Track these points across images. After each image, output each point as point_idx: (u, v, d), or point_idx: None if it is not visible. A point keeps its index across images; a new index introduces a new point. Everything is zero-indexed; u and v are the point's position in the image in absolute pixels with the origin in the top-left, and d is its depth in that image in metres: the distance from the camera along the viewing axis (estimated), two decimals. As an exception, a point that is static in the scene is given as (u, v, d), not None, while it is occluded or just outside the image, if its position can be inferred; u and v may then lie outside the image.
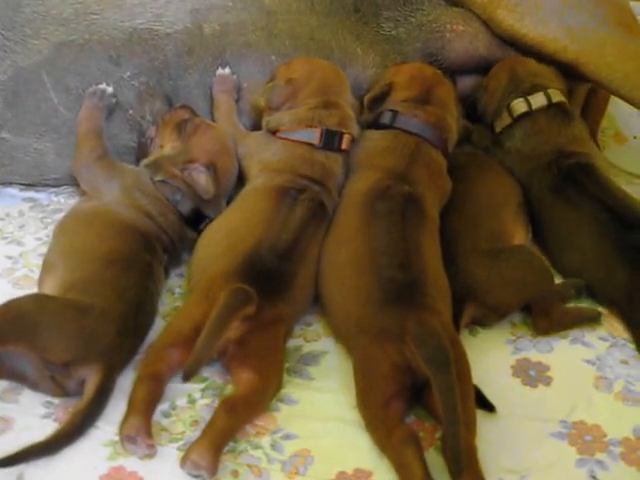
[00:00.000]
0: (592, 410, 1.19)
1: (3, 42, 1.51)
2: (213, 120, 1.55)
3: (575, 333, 1.33)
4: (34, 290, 1.34)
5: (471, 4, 1.65)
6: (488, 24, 1.65)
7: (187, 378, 1.09)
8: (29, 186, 1.64)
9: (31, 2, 1.53)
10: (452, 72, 1.67)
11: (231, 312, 1.10)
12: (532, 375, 1.25)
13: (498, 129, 1.58)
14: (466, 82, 1.69)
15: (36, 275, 1.39)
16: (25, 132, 1.54)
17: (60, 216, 1.53)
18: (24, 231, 1.54)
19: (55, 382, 1.14)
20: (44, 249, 1.45)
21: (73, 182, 1.58)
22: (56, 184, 1.62)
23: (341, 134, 1.41)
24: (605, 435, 1.15)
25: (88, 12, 1.54)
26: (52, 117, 1.53)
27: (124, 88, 1.54)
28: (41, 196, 1.63)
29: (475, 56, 1.67)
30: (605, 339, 1.32)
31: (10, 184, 1.64)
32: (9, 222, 1.56)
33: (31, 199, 1.63)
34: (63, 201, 1.62)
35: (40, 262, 1.40)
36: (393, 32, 1.66)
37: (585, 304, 1.39)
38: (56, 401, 1.17)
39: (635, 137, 1.88)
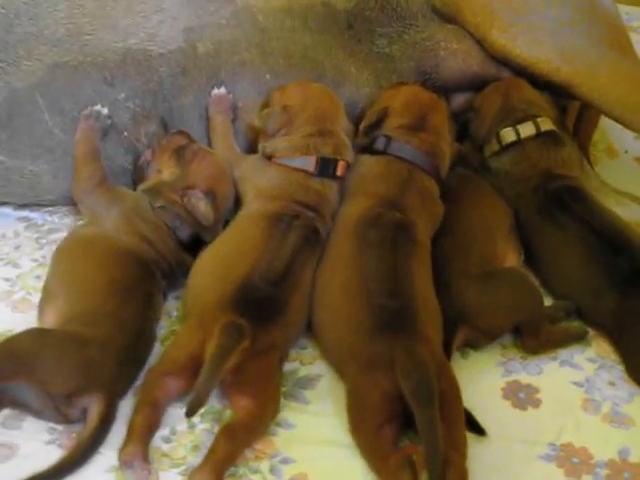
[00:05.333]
0: (580, 432, 1.31)
1: None
2: (209, 141, 1.64)
3: (564, 355, 1.45)
4: (33, 313, 1.45)
5: (464, 23, 1.75)
6: (481, 43, 1.74)
7: (190, 415, 1.19)
8: (23, 205, 1.74)
9: (23, 22, 1.61)
10: (446, 90, 1.77)
11: (227, 352, 1.21)
12: (522, 398, 1.37)
13: (487, 154, 1.69)
14: (460, 99, 1.81)
15: (34, 298, 1.50)
16: (20, 154, 1.63)
17: (55, 236, 1.66)
18: (20, 252, 1.64)
19: (58, 411, 1.25)
20: (40, 271, 1.57)
21: (68, 202, 1.69)
22: (51, 204, 1.72)
23: (336, 161, 1.52)
24: (592, 457, 1.27)
25: (81, 32, 1.62)
26: (47, 139, 1.62)
27: (119, 110, 1.63)
28: (35, 215, 1.73)
29: (469, 74, 1.78)
30: (593, 361, 1.44)
31: (4, 203, 1.74)
32: (5, 243, 1.66)
33: (26, 218, 1.73)
34: (58, 220, 1.72)
35: (37, 284, 1.53)
36: (387, 49, 1.76)
37: (574, 324, 1.50)
38: (60, 427, 1.27)
39: (627, 151, 1.99)
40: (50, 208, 1.74)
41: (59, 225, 1.71)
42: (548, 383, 1.40)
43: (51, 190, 1.68)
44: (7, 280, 1.57)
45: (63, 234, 1.65)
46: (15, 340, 1.26)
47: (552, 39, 1.70)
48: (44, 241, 1.66)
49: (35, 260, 1.62)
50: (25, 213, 1.74)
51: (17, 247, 1.65)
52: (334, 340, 1.36)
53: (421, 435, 1.15)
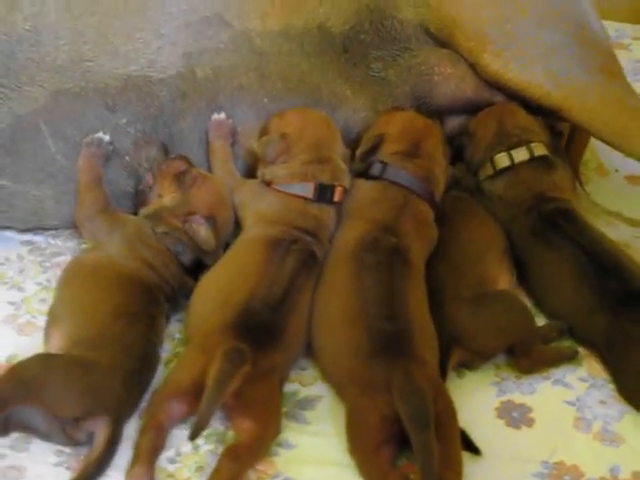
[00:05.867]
0: (571, 450, 1.37)
1: None
2: (209, 165, 1.70)
3: (556, 374, 1.50)
4: (38, 336, 1.50)
5: (457, 47, 1.80)
6: (474, 68, 1.79)
7: (193, 437, 1.25)
8: (27, 229, 1.78)
9: (25, 48, 1.65)
10: (440, 113, 1.83)
11: (228, 377, 1.26)
12: (515, 417, 1.42)
13: (482, 178, 1.75)
14: (454, 122, 1.86)
15: (39, 321, 1.56)
16: (23, 179, 1.67)
17: (59, 259, 1.72)
18: (24, 276, 1.69)
19: (66, 434, 1.30)
20: (45, 294, 1.63)
21: (71, 226, 1.74)
22: (54, 228, 1.77)
23: (334, 187, 1.58)
24: (583, 475, 1.33)
25: (83, 59, 1.66)
26: (50, 164, 1.67)
27: (120, 135, 1.68)
28: (39, 239, 1.78)
29: (462, 99, 1.83)
30: (585, 380, 1.49)
31: (7, 227, 1.78)
32: (9, 267, 1.71)
33: (29, 242, 1.77)
34: (61, 244, 1.77)
35: (42, 307, 1.58)
36: (382, 73, 1.81)
37: (567, 343, 1.55)
38: (67, 450, 1.32)
39: (617, 170, 2.04)
40: (53, 231, 1.79)
41: (62, 248, 1.75)
42: (541, 402, 1.45)
43: (54, 214, 1.73)
44: (12, 304, 1.62)
45: (66, 257, 1.71)
46: (23, 365, 1.31)
47: (543, 64, 1.75)
48: (48, 264, 1.71)
49: (39, 283, 1.66)
50: (28, 237, 1.78)
51: (21, 271, 1.70)
52: (333, 363, 1.41)
53: (417, 458, 1.21)
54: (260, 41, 1.74)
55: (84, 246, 1.73)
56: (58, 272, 1.66)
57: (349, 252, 1.50)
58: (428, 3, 1.81)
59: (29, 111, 1.65)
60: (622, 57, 2.44)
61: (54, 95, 1.65)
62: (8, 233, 1.79)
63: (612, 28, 2.65)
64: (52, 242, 1.77)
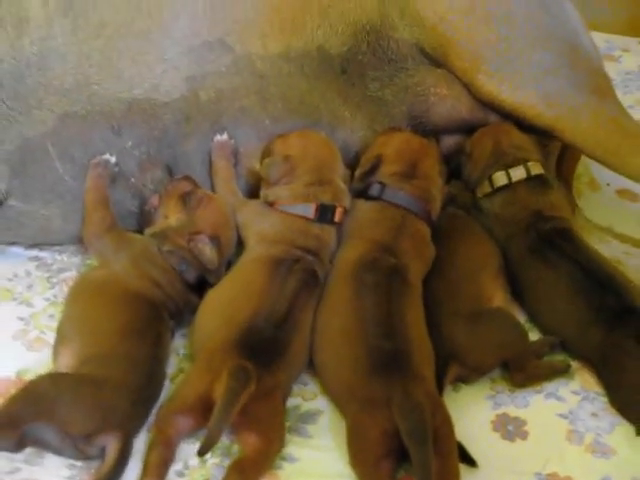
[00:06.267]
0: (564, 462, 1.43)
1: (8, 112, 1.69)
2: (212, 185, 1.75)
3: (549, 388, 1.56)
4: (47, 352, 1.56)
5: (452, 67, 1.85)
6: (469, 88, 1.85)
7: (202, 453, 1.31)
8: (33, 244, 1.84)
9: (33, 72, 1.70)
10: (436, 132, 1.89)
11: (236, 396, 1.31)
12: (510, 430, 1.48)
13: (479, 195, 1.81)
14: (450, 141, 1.92)
15: (47, 337, 1.61)
16: (32, 199, 1.73)
17: (65, 275, 1.78)
18: (32, 291, 1.74)
19: (77, 449, 1.35)
20: (53, 309, 1.69)
21: (76, 242, 1.80)
22: (60, 244, 1.83)
23: (334, 208, 1.64)
24: (575, 486, 1.40)
25: (89, 83, 1.71)
26: (58, 185, 1.72)
27: (126, 157, 1.74)
28: (45, 255, 1.84)
29: (458, 118, 1.89)
30: (577, 393, 1.56)
31: (14, 243, 1.84)
32: (17, 282, 1.76)
33: (36, 258, 1.83)
34: (67, 259, 1.83)
35: (50, 323, 1.64)
36: (379, 93, 1.87)
37: (559, 357, 1.61)
38: (79, 464, 1.38)
39: (608, 184, 2.10)
40: (58, 247, 1.85)
41: (68, 264, 1.81)
42: (534, 415, 1.51)
43: (61, 231, 1.79)
44: (22, 319, 1.67)
45: (73, 273, 1.78)
46: (35, 384, 1.37)
47: (535, 84, 1.81)
48: (55, 280, 1.77)
49: (47, 299, 1.72)
50: (35, 252, 1.84)
51: (29, 286, 1.76)
52: (334, 380, 1.47)
53: (415, 471, 1.27)
54: (261, 64, 1.79)
55: (89, 262, 1.80)
56: (65, 288, 1.74)
57: (349, 271, 1.56)
58: (423, 23, 1.86)
59: (38, 134, 1.70)
60: (612, 69, 2.54)
61: (61, 118, 1.71)
62: (15, 249, 1.85)
63: (602, 40, 2.74)
64: (58, 258, 1.83)
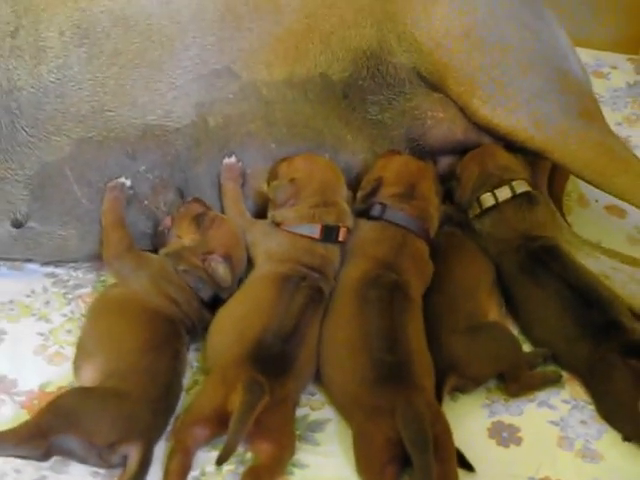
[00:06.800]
0: (556, 467, 1.52)
1: (28, 139, 1.76)
2: (221, 205, 1.84)
3: (541, 397, 1.65)
4: (67, 366, 1.65)
5: (448, 91, 1.94)
6: (464, 111, 1.94)
7: (221, 463, 1.41)
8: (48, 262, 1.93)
9: (51, 100, 1.77)
10: (432, 154, 1.99)
11: (251, 408, 1.41)
12: (505, 436, 1.58)
13: (471, 216, 1.90)
14: (445, 162, 2.02)
15: (66, 351, 1.70)
16: (50, 221, 1.81)
17: (81, 291, 1.86)
18: (50, 307, 1.82)
19: (101, 458, 1.43)
20: (70, 325, 1.77)
21: (90, 260, 1.89)
22: (74, 261, 1.92)
23: (338, 228, 1.73)
24: (566, 489, 1.49)
25: (104, 109, 1.79)
26: (75, 208, 1.80)
27: (140, 181, 1.81)
28: (61, 271, 1.91)
29: (453, 141, 1.98)
30: (567, 402, 1.65)
31: (30, 260, 1.92)
32: (35, 299, 1.84)
33: (52, 274, 1.90)
34: (82, 276, 1.90)
35: (68, 338, 1.73)
36: (379, 117, 1.96)
37: (551, 368, 1.71)
38: (102, 471, 1.47)
39: (597, 200, 2.19)
40: (73, 264, 1.93)
41: (83, 280, 1.89)
42: (528, 423, 1.60)
43: (77, 251, 1.87)
44: (41, 335, 1.75)
45: (88, 289, 1.86)
46: (63, 398, 1.46)
47: (527, 109, 1.89)
48: (71, 296, 1.85)
49: (64, 315, 1.80)
50: (50, 269, 1.91)
51: (47, 302, 1.83)
52: (341, 390, 1.57)
53: (417, 476, 1.38)
54: (266, 90, 1.88)
55: (103, 278, 1.88)
56: (81, 304, 1.82)
57: (353, 288, 1.66)
58: (420, 49, 1.94)
59: (56, 159, 1.78)
60: (601, 85, 2.63)
61: (78, 144, 1.78)
62: (31, 265, 1.92)
63: (592, 57, 2.81)
64: (73, 274, 1.90)
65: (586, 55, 2.66)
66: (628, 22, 2.89)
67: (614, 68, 2.82)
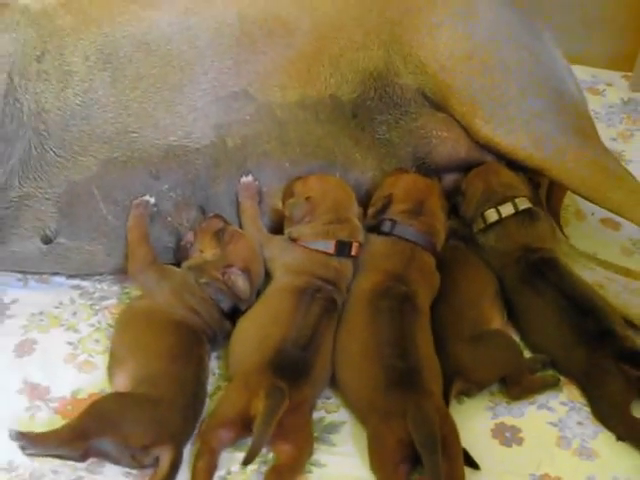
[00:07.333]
0: (555, 464, 1.65)
1: (56, 159, 1.87)
2: (239, 222, 1.95)
3: (541, 400, 1.77)
4: (96, 374, 1.78)
5: (452, 111, 2.05)
6: (467, 130, 2.04)
7: (246, 464, 1.54)
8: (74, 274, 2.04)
9: (77, 122, 1.88)
10: (438, 171, 2.10)
11: (274, 413, 1.53)
12: (507, 436, 1.70)
13: (475, 231, 2.02)
14: (450, 178, 2.13)
15: (95, 360, 1.82)
16: (78, 237, 1.91)
17: (107, 303, 1.97)
18: (77, 318, 1.93)
19: (134, 459, 1.56)
20: (97, 335, 1.88)
21: (114, 273, 2.01)
22: (100, 274, 2.03)
23: (351, 243, 1.85)
24: (565, 485, 1.62)
25: (128, 131, 1.90)
26: (102, 225, 1.91)
27: (163, 199, 1.92)
28: (86, 284, 2.02)
29: (457, 159, 2.09)
30: (565, 404, 1.77)
31: (56, 273, 2.03)
32: (63, 310, 1.95)
33: (78, 287, 2.02)
34: (107, 288, 2.02)
35: (96, 347, 1.85)
36: (387, 136, 2.07)
37: (549, 373, 1.82)
38: (134, 472, 1.58)
39: (593, 214, 2.29)
40: (98, 276, 2.04)
41: (108, 292, 2.00)
42: (528, 424, 1.72)
43: (103, 265, 1.98)
44: (70, 344, 1.86)
45: (113, 301, 1.98)
46: (101, 403, 1.58)
47: (526, 128, 2.00)
48: (97, 307, 1.96)
49: (92, 325, 1.91)
50: (76, 282, 2.03)
51: (74, 313, 1.94)
52: (355, 395, 1.69)
53: (427, 474, 1.50)
54: (280, 112, 1.99)
55: (127, 290, 2.00)
56: (107, 314, 1.94)
57: (365, 299, 1.78)
58: (425, 70, 2.04)
59: (83, 178, 1.89)
60: (597, 102, 2.72)
61: (104, 164, 1.89)
62: (57, 278, 2.03)
63: (588, 74, 2.89)
64: (98, 286, 2.02)
65: (582, 72, 2.74)
66: (623, 40, 2.94)
67: (609, 85, 2.89)
